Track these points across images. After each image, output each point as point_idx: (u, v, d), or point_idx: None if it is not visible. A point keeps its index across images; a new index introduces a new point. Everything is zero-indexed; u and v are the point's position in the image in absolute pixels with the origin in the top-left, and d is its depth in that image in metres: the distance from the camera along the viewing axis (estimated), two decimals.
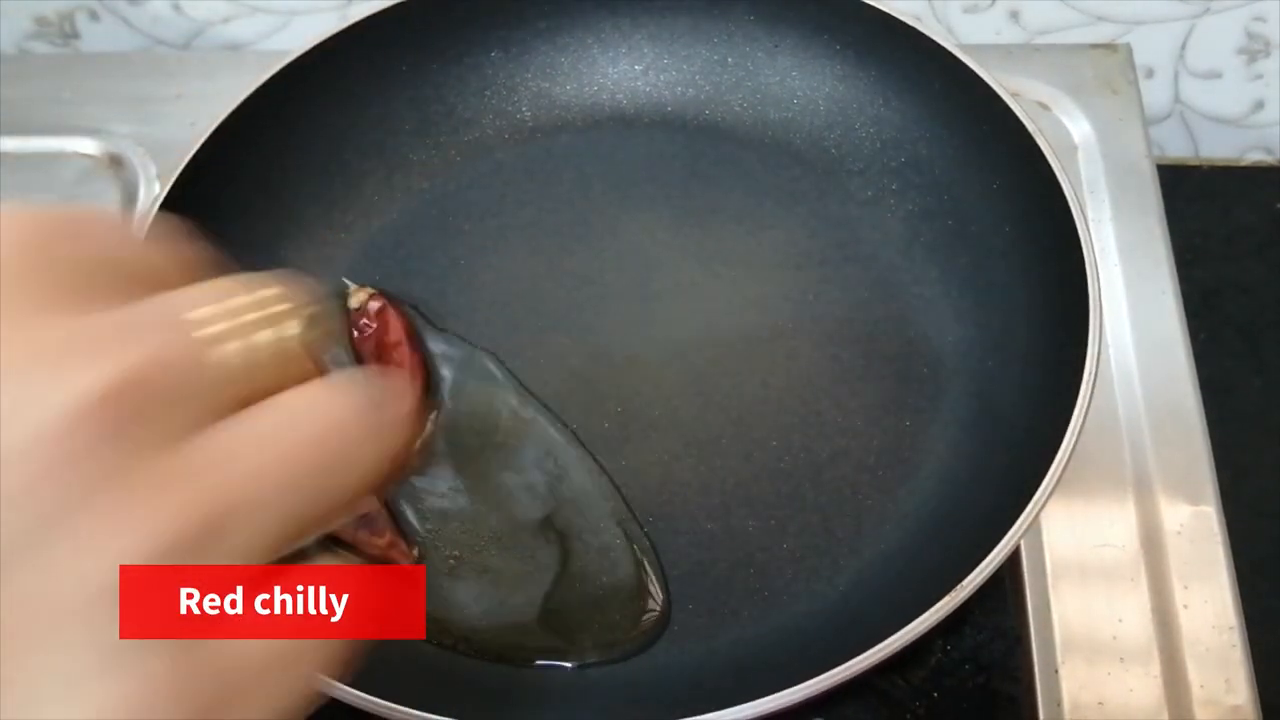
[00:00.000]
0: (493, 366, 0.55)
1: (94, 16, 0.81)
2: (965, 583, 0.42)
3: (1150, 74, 0.78)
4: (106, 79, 0.74)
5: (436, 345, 0.56)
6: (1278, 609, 0.58)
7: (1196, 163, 0.80)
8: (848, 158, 0.59)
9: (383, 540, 0.49)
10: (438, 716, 0.41)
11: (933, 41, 0.55)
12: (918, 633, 0.41)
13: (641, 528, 0.50)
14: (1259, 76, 0.77)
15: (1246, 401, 0.68)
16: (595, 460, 0.52)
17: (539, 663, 0.48)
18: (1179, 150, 0.82)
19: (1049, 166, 0.50)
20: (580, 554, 0.50)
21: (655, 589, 0.49)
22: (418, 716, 0.41)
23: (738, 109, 0.62)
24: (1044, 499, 0.43)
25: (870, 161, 0.59)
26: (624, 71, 0.63)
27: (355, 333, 0.55)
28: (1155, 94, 0.79)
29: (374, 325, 0.55)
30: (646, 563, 0.49)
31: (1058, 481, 0.43)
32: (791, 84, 0.61)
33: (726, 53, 0.62)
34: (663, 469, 0.52)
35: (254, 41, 0.82)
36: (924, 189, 0.57)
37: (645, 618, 0.48)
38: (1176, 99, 0.79)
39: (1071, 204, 0.49)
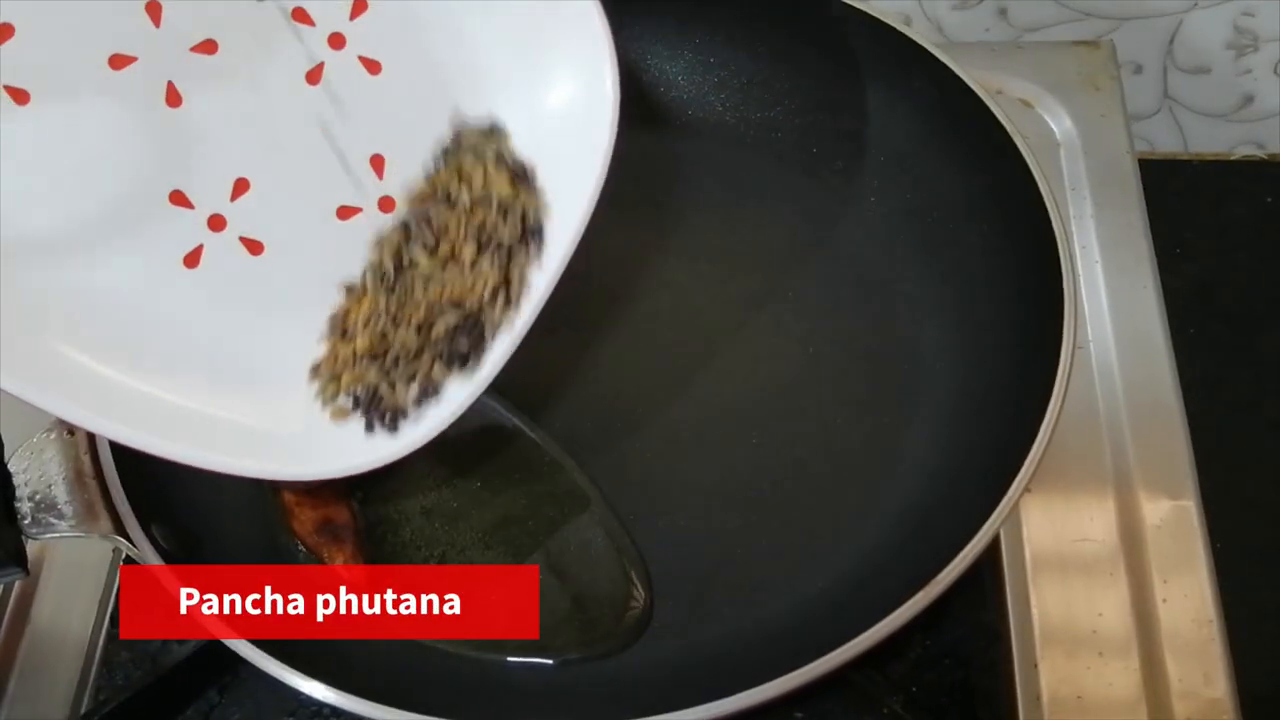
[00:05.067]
0: None
1: None
2: (940, 576, 0.42)
3: (1139, 70, 0.78)
4: None
5: None
6: (1259, 602, 0.58)
7: (1186, 158, 0.80)
8: (829, 156, 0.60)
9: (343, 554, 0.50)
10: (417, 714, 0.41)
11: (914, 42, 0.55)
12: (894, 627, 0.41)
13: (622, 525, 0.51)
14: (1248, 71, 0.77)
15: (1236, 395, 0.68)
16: (575, 458, 0.52)
17: (520, 659, 0.48)
18: (1168, 145, 0.82)
19: (1026, 164, 0.50)
20: (561, 552, 0.50)
21: (636, 586, 0.49)
22: (397, 714, 0.41)
23: (720, 109, 0.62)
24: (1018, 492, 0.43)
25: (851, 160, 0.59)
26: None
27: None
28: (1144, 90, 0.79)
29: None
30: (627, 560, 0.50)
31: (1033, 474, 0.44)
32: (774, 85, 0.61)
33: (710, 54, 0.62)
34: (644, 466, 0.52)
35: None
36: (905, 187, 0.57)
37: (626, 615, 0.49)
38: (1165, 94, 0.79)
39: (1047, 201, 0.49)
